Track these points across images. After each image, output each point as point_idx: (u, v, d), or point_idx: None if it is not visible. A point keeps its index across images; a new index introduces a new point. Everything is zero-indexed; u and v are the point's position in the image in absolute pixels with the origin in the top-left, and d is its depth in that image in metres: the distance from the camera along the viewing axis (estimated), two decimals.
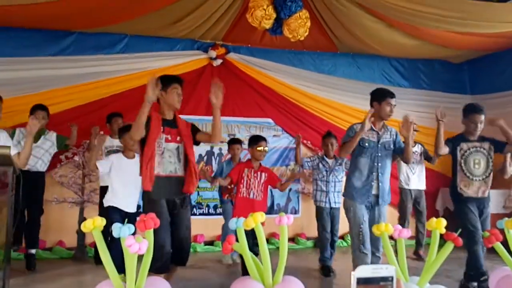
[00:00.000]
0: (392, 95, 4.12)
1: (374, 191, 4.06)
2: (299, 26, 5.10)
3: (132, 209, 4.48)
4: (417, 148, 6.27)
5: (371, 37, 6.66)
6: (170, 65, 6.64)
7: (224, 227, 5.83)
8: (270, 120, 7.21)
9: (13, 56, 5.99)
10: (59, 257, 5.85)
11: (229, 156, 6.07)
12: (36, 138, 5.04)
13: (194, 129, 3.79)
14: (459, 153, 4.49)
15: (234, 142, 5.83)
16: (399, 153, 4.20)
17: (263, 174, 4.73)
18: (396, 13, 5.50)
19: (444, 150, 4.41)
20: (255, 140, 4.76)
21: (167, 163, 3.57)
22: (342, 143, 4.17)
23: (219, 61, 6.87)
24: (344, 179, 5.00)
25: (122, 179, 4.41)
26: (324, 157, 5.49)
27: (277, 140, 7.22)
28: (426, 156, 6.26)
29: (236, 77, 7.01)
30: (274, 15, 5.06)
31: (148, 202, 3.53)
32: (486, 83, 7.56)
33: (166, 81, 3.65)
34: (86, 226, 2.41)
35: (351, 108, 7.23)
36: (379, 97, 4.13)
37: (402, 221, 6.17)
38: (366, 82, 7.39)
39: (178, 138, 3.63)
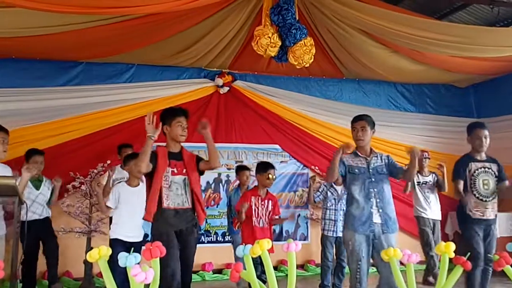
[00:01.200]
0: (354, 120, 4.06)
1: (376, 219, 3.81)
2: (304, 53, 5.13)
3: (138, 238, 4.42)
4: (431, 178, 6.19)
5: (376, 63, 6.71)
6: (177, 93, 6.70)
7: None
8: (277, 146, 7.20)
9: (22, 87, 6.08)
10: None
11: (236, 182, 6.03)
12: (38, 185, 5.07)
13: (198, 160, 3.77)
14: (467, 174, 4.41)
15: (242, 168, 5.70)
16: (399, 173, 3.98)
17: (270, 201, 4.69)
18: (401, 39, 5.53)
19: (461, 185, 4.40)
20: (264, 167, 4.70)
21: (174, 195, 3.56)
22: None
23: (226, 89, 6.93)
24: None
25: (128, 209, 4.32)
26: (333, 183, 5.43)
27: (285, 166, 7.20)
28: (437, 184, 6.16)
29: (243, 104, 7.07)
30: (279, 43, 5.10)
31: (156, 233, 3.52)
32: (492, 106, 7.55)
33: (170, 114, 3.65)
34: (91, 256, 2.38)
35: None
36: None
37: (428, 249, 6.00)
38: (373, 107, 7.41)
39: (184, 171, 3.62)
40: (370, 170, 3.90)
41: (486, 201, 4.37)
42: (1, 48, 5.61)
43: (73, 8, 4.18)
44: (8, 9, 4.33)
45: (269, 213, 4.64)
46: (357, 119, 4.04)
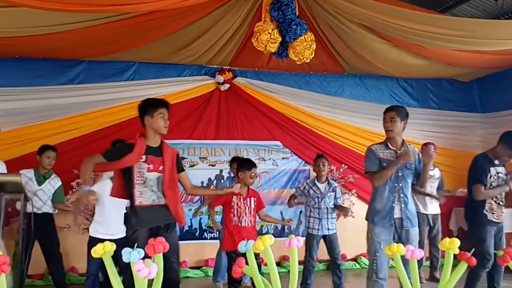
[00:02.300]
0: (385, 111, 3.99)
1: (397, 214, 3.83)
2: (304, 48, 5.12)
3: (120, 234, 4.24)
4: (436, 172, 6.16)
5: (377, 58, 6.67)
6: (178, 90, 6.72)
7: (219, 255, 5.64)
8: (278, 142, 7.20)
9: (24, 86, 6.12)
10: (72, 284, 5.80)
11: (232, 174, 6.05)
12: (42, 180, 5.03)
13: (179, 165, 3.66)
14: (488, 178, 4.37)
15: (233, 161, 5.71)
16: (415, 177, 4.00)
17: (252, 199, 4.50)
18: (402, 33, 5.50)
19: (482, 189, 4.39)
20: (248, 166, 4.49)
21: (149, 192, 3.44)
22: (369, 172, 3.94)
23: (226, 86, 6.93)
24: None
25: (114, 204, 4.23)
26: (316, 182, 5.38)
27: (286, 163, 7.20)
28: (439, 185, 6.15)
29: (244, 101, 7.07)
30: (280, 39, 5.10)
31: (129, 229, 3.46)
32: (496, 100, 7.51)
33: (152, 105, 3.51)
34: (96, 251, 2.40)
35: (359, 129, 7.22)
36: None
37: (419, 245, 6.02)
38: (374, 103, 7.39)
39: (160, 168, 3.48)
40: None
41: (502, 205, 4.39)
42: (4, 48, 5.64)
43: (76, 6, 4.20)
44: (10, 9, 4.36)
45: (254, 211, 4.50)
46: (387, 110, 3.99)
